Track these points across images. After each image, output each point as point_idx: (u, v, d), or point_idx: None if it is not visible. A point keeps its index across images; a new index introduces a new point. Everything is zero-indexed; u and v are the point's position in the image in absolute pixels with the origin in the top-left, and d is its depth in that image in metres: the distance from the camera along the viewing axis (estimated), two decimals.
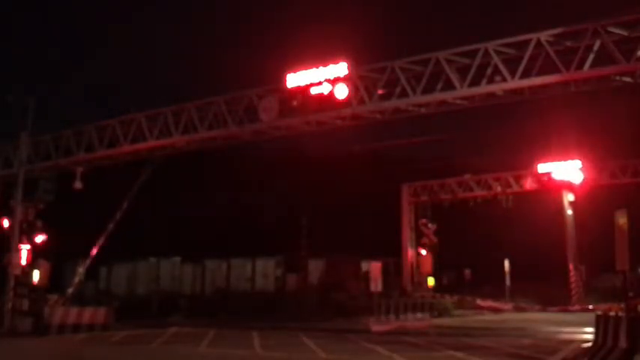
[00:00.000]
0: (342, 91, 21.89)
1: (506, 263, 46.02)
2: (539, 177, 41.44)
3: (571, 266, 43.54)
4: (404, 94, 22.23)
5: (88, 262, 33.15)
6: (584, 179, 40.69)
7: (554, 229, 45.04)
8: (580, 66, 19.26)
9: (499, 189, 43.60)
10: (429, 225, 45.88)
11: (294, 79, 22.55)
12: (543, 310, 41.77)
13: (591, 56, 19.20)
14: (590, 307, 37.79)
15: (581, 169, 40.32)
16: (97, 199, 49.25)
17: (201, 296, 41.26)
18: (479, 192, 44.48)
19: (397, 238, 46.22)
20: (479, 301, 43.88)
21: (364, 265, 37.80)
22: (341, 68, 22.04)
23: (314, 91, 22.07)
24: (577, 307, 40.89)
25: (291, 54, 24.10)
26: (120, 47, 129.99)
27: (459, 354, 17.69)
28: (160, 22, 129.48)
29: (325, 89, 21.89)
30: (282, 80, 22.76)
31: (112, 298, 39.70)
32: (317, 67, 22.15)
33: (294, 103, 22.61)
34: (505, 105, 23.17)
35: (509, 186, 43.60)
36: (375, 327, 29.76)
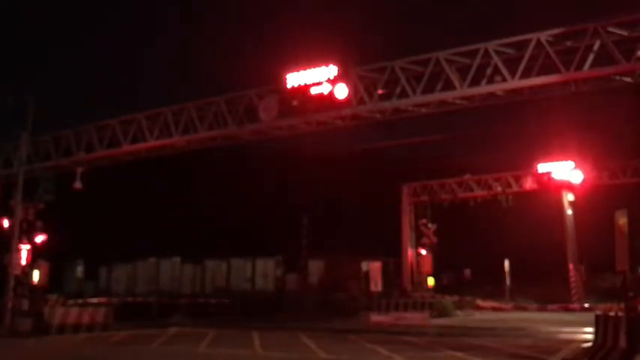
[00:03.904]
0: (342, 91, 21.88)
1: (506, 263, 46.03)
2: (539, 177, 41.46)
3: (571, 266, 43.55)
4: (404, 94, 22.23)
5: None
6: (584, 179, 40.72)
7: (554, 229, 45.06)
8: (580, 66, 19.27)
9: (499, 189, 43.62)
10: (429, 225, 45.90)
11: (294, 79, 22.51)
12: (543, 309, 41.78)
13: (591, 56, 19.19)
14: (589, 306, 37.84)
15: (580, 169, 40.35)
16: (97, 199, 49.37)
17: (201, 296, 41.25)
18: (479, 192, 44.52)
19: (397, 238, 46.25)
20: (479, 301, 43.92)
21: (364, 265, 37.80)
22: (341, 68, 22.02)
23: (314, 91, 22.04)
24: (577, 306, 40.91)
25: (291, 54, 24.02)
26: (120, 47, 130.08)
27: (459, 354, 17.69)
28: (161, 22, 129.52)
29: (325, 89, 21.86)
30: (282, 80, 22.72)
31: (112, 298, 39.73)
32: (317, 67, 22.13)
33: (294, 103, 22.58)
34: (505, 105, 23.20)
35: (509, 186, 43.63)
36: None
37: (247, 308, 36.22)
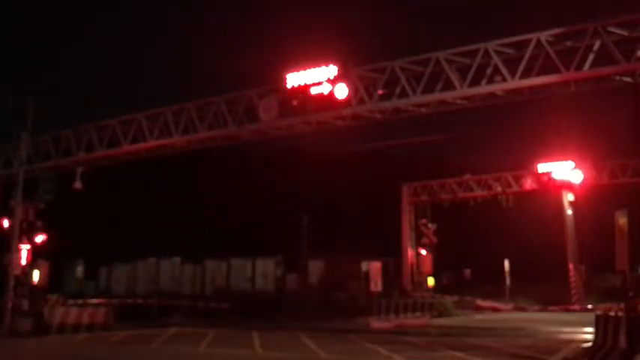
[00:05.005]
0: (342, 91, 21.87)
1: (506, 263, 45.99)
2: (539, 177, 41.42)
3: (571, 266, 43.50)
4: (404, 94, 22.22)
5: None
6: (584, 179, 40.69)
7: (554, 229, 45.02)
8: (580, 66, 19.26)
9: (499, 189, 43.58)
10: (429, 225, 45.86)
11: (294, 79, 22.50)
12: (543, 310, 41.76)
13: (591, 56, 19.19)
14: (590, 306, 37.80)
15: (581, 169, 40.32)
16: (97, 199, 49.39)
17: (201, 296, 41.25)
18: (479, 192, 44.47)
19: (397, 238, 46.21)
20: (479, 301, 43.86)
21: (364, 265, 37.78)
22: (341, 68, 22.01)
23: (314, 91, 22.03)
24: (577, 306, 40.88)
25: (291, 54, 24.04)
26: (120, 47, 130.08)
27: (459, 354, 17.68)
28: (161, 22, 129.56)
29: (325, 89, 21.84)
30: (282, 80, 22.71)
31: (111, 298, 39.76)
32: (317, 67, 22.12)
33: (294, 103, 22.57)
34: (505, 105, 23.21)
35: (509, 186, 43.58)
36: (376, 324, 29.86)
37: (247, 308, 36.20)
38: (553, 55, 19.60)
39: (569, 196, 43.73)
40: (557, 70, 19.68)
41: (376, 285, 33.29)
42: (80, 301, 35.44)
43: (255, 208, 59.27)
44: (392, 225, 46.78)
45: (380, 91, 22.75)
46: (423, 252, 45.49)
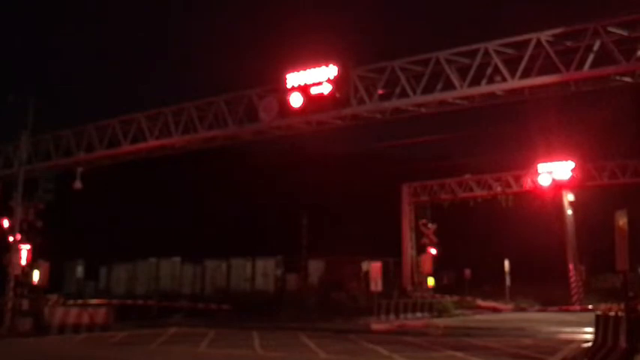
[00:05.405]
0: (342, 91, 21.86)
1: (506, 263, 46.01)
2: (539, 177, 41.40)
3: (571, 266, 43.50)
4: (404, 94, 22.22)
5: None
6: (584, 179, 40.70)
7: (554, 229, 45.02)
8: (580, 66, 19.26)
9: (499, 189, 43.61)
10: (429, 225, 45.87)
11: (294, 79, 22.51)
12: (543, 310, 41.76)
13: (591, 56, 19.19)
14: (590, 307, 37.81)
15: (581, 169, 40.33)
16: (97, 199, 49.37)
17: (201, 296, 41.23)
18: (479, 192, 44.50)
19: (397, 238, 46.21)
20: (479, 301, 43.89)
21: (364, 265, 37.82)
22: (341, 68, 22.00)
23: (314, 91, 22.04)
24: (577, 307, 40.87)
25: (291, 54, 24.03)
26: (120, 47, 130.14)
27: (459, 354, 17.68)
28: (161, 22, 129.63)
29: (325, 89, 21.85)
30: (282, 80, 22.72)
31: (111, 298, 39.74)
32: (317, 67, 22.11)
33: (294, 103, 22.56)
34: (505, 105, 23.21)
35: (509, 186, 43.60)
36: (376, 324, 29.92)
37: (247, 308, 36.19)
38: (553, 55, 19.60)
39: (569, 196, 43.75)
40: (557, 70, 19.68)
41: (376, 285, 33.31)
42: (80, 301, 35.44)
43: (255, 208, 59.24)
44: (392, 225, 46.78)
45: (380, 91, 22.75)
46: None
